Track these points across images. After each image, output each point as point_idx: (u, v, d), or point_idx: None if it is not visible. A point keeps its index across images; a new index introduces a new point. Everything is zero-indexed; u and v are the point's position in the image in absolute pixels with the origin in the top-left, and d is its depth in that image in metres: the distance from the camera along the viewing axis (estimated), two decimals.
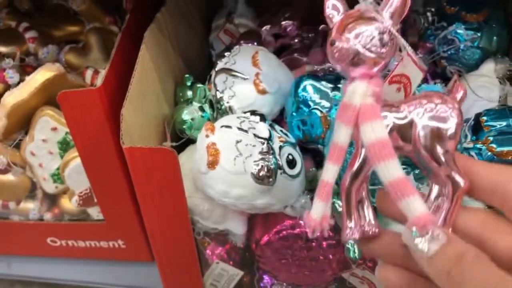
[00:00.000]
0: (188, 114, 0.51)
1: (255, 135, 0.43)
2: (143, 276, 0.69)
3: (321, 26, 0.65)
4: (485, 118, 0.44)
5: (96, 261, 0.70)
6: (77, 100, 0.49)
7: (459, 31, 0.59)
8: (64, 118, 0.51)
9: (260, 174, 0.42)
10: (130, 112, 0.44)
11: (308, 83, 0.47)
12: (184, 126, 0.50)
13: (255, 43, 0.61)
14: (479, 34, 0.58)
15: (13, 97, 0.54)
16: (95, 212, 0.62)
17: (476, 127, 0.45)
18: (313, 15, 0.66)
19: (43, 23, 0.71)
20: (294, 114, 0.48)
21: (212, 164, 0.42)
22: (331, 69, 0.57)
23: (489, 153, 0.42)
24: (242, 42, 0.61)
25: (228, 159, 0.42)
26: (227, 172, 0.42)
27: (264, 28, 0.65)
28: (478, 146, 0.43)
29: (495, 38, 0.58)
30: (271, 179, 0.42)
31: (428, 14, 0.66)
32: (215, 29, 0.69)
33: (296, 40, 0.65)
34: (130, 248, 0.65)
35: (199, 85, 0.52)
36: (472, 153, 0.43)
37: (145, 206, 0.45)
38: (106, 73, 0.50)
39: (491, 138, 0.42)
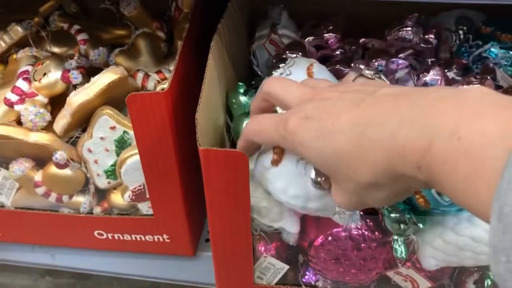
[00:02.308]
0: None
1: None
2: (184, 270, 0.72)
3: (361, 40, 0.69)
4: None
5: (135, 254, 0.74)
6: (144, 102, 0.53)
7: (493, 49, 0.63)
8: (130, 118, 0.55)
9: (318, 180, 0.46)
10: (201, 117, 0.48)
11: None
12: None
13: (300, 54, 0.65)
14: None
15: (80, 97, 0.57)
16: (145, 207, 0.66)
17: None
18: (353, 29, 0.70)
19: (92, 26, 0.75)
20: None
21: (276, 162, 0.46)
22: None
23: None
24: (287, 52, 0.65)
25: (291, 161, 0.46)
26: (288, 171, 0.46)
27: (307, 39, 0.69)
28: None
29: None
30: (326, 186, 0.46)
31: (460, 32, 0.70)
32: (258, 39, 0.72)
33: (337, 52, 0.69)
34: (174, 242, 0.69)
35: None
36: None
37: (211, 204, 0.49)
38: (172, 79, 0.54)
39: None
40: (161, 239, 0.69)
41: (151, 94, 0.53)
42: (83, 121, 0.62)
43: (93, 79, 0.59)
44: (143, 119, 0.55)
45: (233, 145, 0.55)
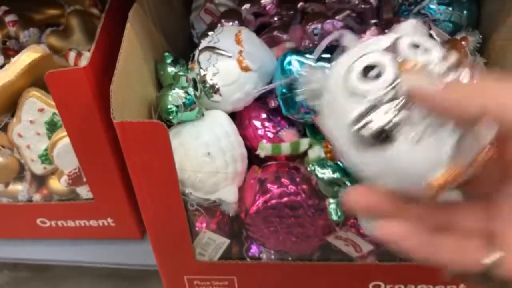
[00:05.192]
0: (173, 101, 0.50)
1: None
2: (133, 253, 0.70)
3: (299, 4, 0.67)
4: None
5: (85, 241, 0.71)
6: (64, 79, 0.50)
7: (431, 6, 0.61)
8: (52, 98, 0.52)
9: None
10: (119, 90, 0.45)
11: (293, 59, 0.49)
12: (171, 117, 0.50)
13: (236, 22, 0.62)
14: (450, 9, 0.61)
15: (0, 78, 0.54)
16: (84, 192, 0.63)
17: None
18: None
19: (23, 7, 0.71)
20: (284, 90, 0.50)
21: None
22: (311, 45, 0.59)
23: None
24: (223, 20, 0.62)
25: None
26: None
27: (244, 7, 0.66)
28: None
29: (465, 12, 0.61)
30: None
31: None
32: (195, 9, 0.70)
33: (275, 18, 0.66)
34: (120, 226, 0.67)
35: (181, 73, 0.53)
36: None
37: (137, 180, 0.47)
38: (92, 53, 0.51)
39: None
40: (105, 223, 0.66)
41: (70, 71, 0.50)
42: (11, 105, 0.59)
43: (13, 59, 0.56)
44: (67, 98, 0.52)
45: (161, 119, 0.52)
